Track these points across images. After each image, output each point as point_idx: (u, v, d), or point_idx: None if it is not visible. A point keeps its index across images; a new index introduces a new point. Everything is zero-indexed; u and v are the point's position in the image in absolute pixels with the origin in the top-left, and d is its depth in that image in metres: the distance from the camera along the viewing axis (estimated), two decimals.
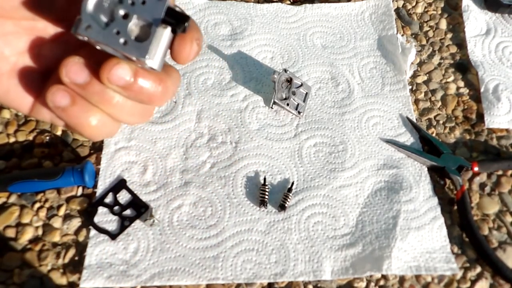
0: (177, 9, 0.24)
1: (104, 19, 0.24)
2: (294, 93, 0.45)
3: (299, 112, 0.46)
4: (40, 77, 0.29)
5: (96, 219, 0.39)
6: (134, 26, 0.24)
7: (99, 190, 0.41)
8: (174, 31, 0.24)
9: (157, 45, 0.24)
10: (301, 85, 0.46)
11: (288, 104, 0.45)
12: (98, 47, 0.25)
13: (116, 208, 0.40)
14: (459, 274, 0.39)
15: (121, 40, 0.24)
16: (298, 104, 0.46)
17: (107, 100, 0.27)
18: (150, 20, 0.23)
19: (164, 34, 0.24)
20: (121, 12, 0.23)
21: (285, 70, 0.45)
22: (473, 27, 0.54)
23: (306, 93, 0.47)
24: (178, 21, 0.24)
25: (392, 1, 0.55)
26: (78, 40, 0.26)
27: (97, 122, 0.28)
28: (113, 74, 0.25)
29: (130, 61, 0.25)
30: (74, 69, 0.26)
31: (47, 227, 0.39)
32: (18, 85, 0.29)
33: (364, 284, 0.39)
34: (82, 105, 0.27)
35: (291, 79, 0.45)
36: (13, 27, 0.27)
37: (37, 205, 0.40)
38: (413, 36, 0.54)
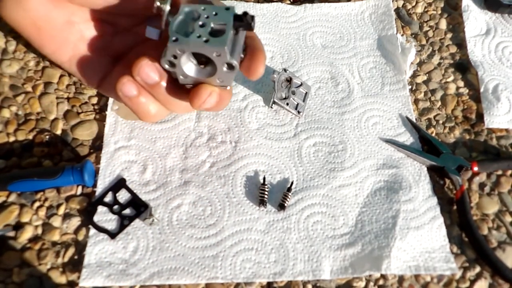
0: (240, 13, 0.30)
1: (186, 31, 0.29)
2: (293, 93, 0.45)
3: (298, 112, 0.46)
4: (111, 59, 0.34)
5: (96, 218, 0.39)
6: (211, 30, 0.29)
7: (99, 189, 0.41)
8: (246, 28, 0.30)
9: (231, 45, 0.30)
10: (301, 84, 0.46)
11: (287, 104, 0.45)
12: (181, 77, 0.31)
13: (115, 207, 0.40)
14: (458, 273, 0.39)
15: (204, 39, 0.29)
16: (297, 104, 0.46)
17: (169, 101, 0.32)
18: (223, 23, 0.29)
19: (238, 37, 0.31)
20: (200, 23, 0.29)
21: (285, 70, 0.45)
22: (473, 27, 0.54)
23: (306, 92, 0.47)
24: (244, 21, 0.30)
25: (392, 1, 0.55)
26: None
27: (155, 112, 0.33)
28: (206, 102, 0.31)
29: (211, 82, 0.32)
30: (146, 71, 0.29)
31: (47, 226, 0.39)
32: (91, 63, 0.34)
33: (363, 283, 0.39)
34: (146, 97, 0.32)
35: (290, 78, 0.45)
36: (94, 15, 0.33)
37: (37, 204, 0.40)
38: (413, 36, 0.54)
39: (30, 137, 0.44)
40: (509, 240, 0.41)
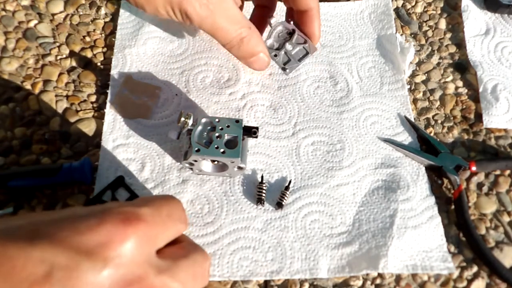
0: (248, 124, 0.41)
1: (205, 142, 0.37)
2: (292, 47, 0.42)
3: (284, 69, 0.43)
4: None
5: None
6: (225, 141, 0.37)
7: (97, 187, 0.41)
8: (250, 136, 0.38)
9: (242, 151, 0.37)
10: (305, 42, 0.43)
11: (276, 56, 0.42)
12: (196, 171, 0.41)
13: None
14: (456, 273, 0.39)
15: (221, 151, 0.37)
16: (288, 60, 0.43)
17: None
18: (236, 135, 0.37)
19: (244, 143, 0.38)
20: (216, 134, 0.37)
21: (289, 21, 0.42)
22: (473, 27, 0.54)
23: (307, 53, 0.43)
24: (251, 131, 0.38)
25: (392, 1, 0.55)
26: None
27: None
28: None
29: (221, 175, 0.41)
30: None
31: None
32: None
33: (360, 282, 0.39)
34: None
35: (294, 31, 0.42)
36: None
37: (35, 201, 0.40)
38: (412, 35, 0.54)
39: (29, 134, 0.44)
40: (506, 240, 0.41)
